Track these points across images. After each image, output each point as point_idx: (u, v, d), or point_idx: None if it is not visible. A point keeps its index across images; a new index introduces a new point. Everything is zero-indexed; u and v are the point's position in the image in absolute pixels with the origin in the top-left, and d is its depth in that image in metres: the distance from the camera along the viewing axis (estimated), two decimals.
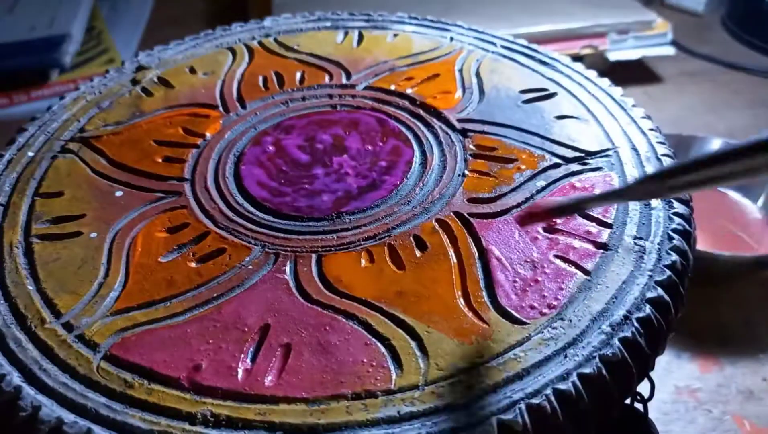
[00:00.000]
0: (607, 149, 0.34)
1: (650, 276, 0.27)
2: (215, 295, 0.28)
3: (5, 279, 0.28)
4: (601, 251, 0.29)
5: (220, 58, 0.44)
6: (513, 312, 0.26)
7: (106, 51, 0.78)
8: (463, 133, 0.36)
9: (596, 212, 0.30)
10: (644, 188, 0.22)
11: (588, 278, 0.27)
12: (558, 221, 0.30)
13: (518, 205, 0.31)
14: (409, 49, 0.44)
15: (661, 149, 0.34)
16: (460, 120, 0.37)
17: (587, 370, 0.24)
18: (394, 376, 0.24)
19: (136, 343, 0.26)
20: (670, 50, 0.74)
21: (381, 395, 0.24)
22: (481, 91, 0.39)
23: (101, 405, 0.24)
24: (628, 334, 0.25)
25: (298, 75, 0.42)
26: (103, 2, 0.87)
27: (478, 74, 0.41)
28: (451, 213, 0.31)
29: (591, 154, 0.34)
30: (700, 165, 0.20)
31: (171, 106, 0.39)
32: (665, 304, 0.26)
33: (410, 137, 0.36)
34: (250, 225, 0.31)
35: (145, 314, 0.27)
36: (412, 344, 0.25)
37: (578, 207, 0.26)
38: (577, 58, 0.69)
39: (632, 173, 0.32)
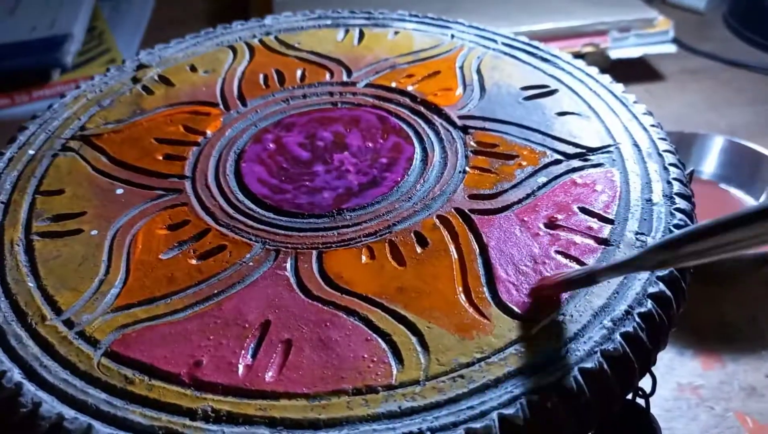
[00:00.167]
0: (609, 145, 0.34)
1: (652, 271, 0.27)
2: (216, 292, 0.28)
3: (6, 276, 0.28)
4: (603, 246, 0.29)
5: (221, 56, 0.44)
6: (514, 308, 0.26)
7: (108, 51, 0.78)
8: (464, 130, 0.36)
9: (597, 207, 0.30)
10: (655, 258, 0.22)
11: None
12: (559, 217, 0.30)
13: (519, 201, 0.31)
14: (410, 46, 0.44)
15: (663, 145, 0.34)
16: (461, 117, 0.37)
17: (589, 365, 0.24)
18: (394, 371, 0.24)
19: (137, 339, 0.26)
20: (672, 48, 0.74)
21: (382, 390, 0.24)
22: (482, 88, 0.39)
23: (102, 401, 0.23)
24: (630, 329, 0.25)
25: (299, 73, 0.42)
26: (104, 3, 0.87)
27: (479, 71, 0.41)
28: (452, 209, 0.31)
29: (592, 150, 0.34)
30: (712, 231, 0.19)
31: (172, 104, 0.39)
32: (667, 299, 0.26)
33: (411, 134, 0.36)
34: (250, 222, 0.31)
35: (145, 311, 0.27)
36: (413, 339, 0.25)
37: (589, 279, 0.25)
38: (578, 56, 0.69)
39: (634, 169, 0.32)
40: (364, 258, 0.29)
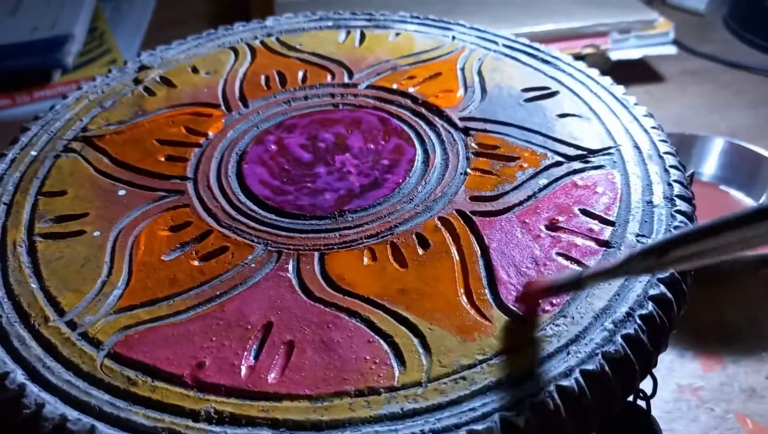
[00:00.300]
0: (609, 147, 0.34)
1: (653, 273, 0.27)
2: (218, 293, 0.28)
3: (9, 278, 0.29)
4: (604, 248, 0.29)
5: (223, 57, 0.44)
6: (515, 309, 0.26)
7: (109, 52, 0.78)
8: (465, 131, 0.36)
9: (598, 209, 0.30)
10: (641, 264, 0.22)
11: None
12: (560, 219, 0.30)
13: (520, 203, 0.31)
14: (411, 48, 0.44)
15: (663, 147, 0.34)
16: (462, 118, 0.37)
17: (590, 367, 0.24)
18: (397, 373, 0.24)
19: (140, 341, 0.26)
20: (672, 49, 0.74)
21: (384, 392, 0.24)
22: (483, 90, 0.39)
23: (105, 403, 0.24)
24: (631, 331, 0.25)
25: (301, 74, 0.42)
26: (105, 3, 0.87)
27: (480, 73, 0.41)
28: (454, 211, 0.31)
29: (593, 152, 0.34)
30: (699, 235, 0.19)
31: (173, 105, 0.39)
32: (668, 301, 0.26)
33: (412, 135, 0.36)
34: (252, 223, 0.31)
35: (148, 312, 0.27)
36: (415, 341, 0.25)
37: (576, 285, 0.25)
38: (579, 57, 0.70)
39: (634, 171, 0.32)
40: (365, 260, 0.29)
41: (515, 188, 0.32)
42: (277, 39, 0.46)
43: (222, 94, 0.40)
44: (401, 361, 0.25)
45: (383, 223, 0.31)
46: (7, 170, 0.35)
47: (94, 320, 0.27)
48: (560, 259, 0.28)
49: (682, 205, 0.30)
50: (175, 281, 0.28)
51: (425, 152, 0.35)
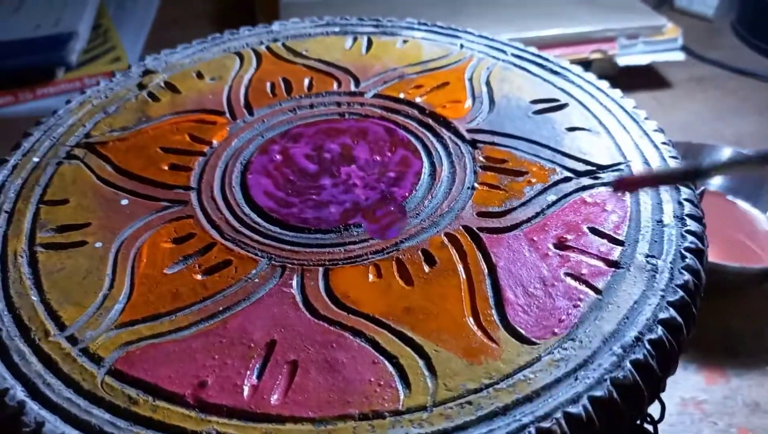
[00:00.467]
0: (619, 163, 0.34)
1: (662, 296, 0.27)
2: (221, 309, 0.27)
3: (9, 289, 0.28)
4: (613, 269, 0.28)
5: (228, 62, 0.43)
6: (523, 332, 0.26)
7: (113, 49, 0.78)
8: (473, 144, 0.36)
9: (608, 228, 0.30)
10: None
11: (599, 297, 0.27)
12: (569, 238, 0.30)
13: (528, 220, 0.31)
14: (419, 56, 0.43)
15: (674, 164, 0.33)
16: (469, 130, 0.37)
17: (598, 393, 0.23)
18: (401, 396, 0.24)
19: (141, 357, 0.25)
20: (680, 56, 0.73)
21: (388, 416, 0.23)
22: (491, 101, 0.39)
23: (105, 422, 0.23)
24: (640, 356, 0.25)
25: (306, 81, 0.41)
26: (109, 0, 0.87)
27: (488, 83, 0.40)
28: (460, 227, 0.31)
29: (602, 168, 0.34)
30: None
31: (178, 111, 0.39)
32: (677, 325, 0.26)
33: (419, 147, 0.36)
34: (256, 236, 0.31)
35: (150, 328, 0.27)
36: (420, 363, 0.25)
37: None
38: (585, 62, 0.69)
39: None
40: (371, 276, 0.29)
41: (523, 204, 0.32)
42: (283, 44, 0.45)
43: (227, 101, 0.40)
44: (406, 384, 0.24)
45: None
46: (8, 177, 0.34)
47: (95, 336, 0.26)
48: (568, 279, 0.28)
49: (692, 225, 0.30)
50: (178, 295, 0.28)
51: (432, 164, 0.35)
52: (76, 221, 0.32)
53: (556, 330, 0.26)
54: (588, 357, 0.25)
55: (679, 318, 0.26)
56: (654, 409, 0.29)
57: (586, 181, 0.33)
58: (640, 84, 0.75)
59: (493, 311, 0.27)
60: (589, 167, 0.34)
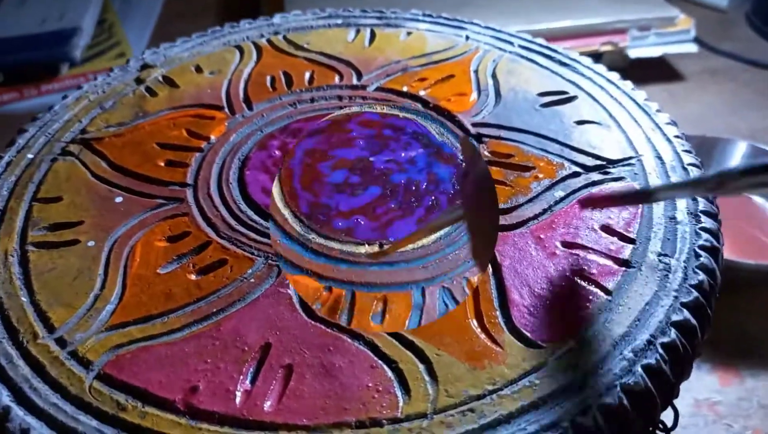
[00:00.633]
0: (630, 157, 0.32)
1: (676, 297, 0.26)
2: (215, 310, 0.26)
3: None
4: (623, 268, 0.27)
5: (228, 56, 0.42)
6: (528, 334, 0.25)
7: (118, 44, 0.77)
8: (478, 138, 0.34)
9: (618, 226, 0.29)
10: (712, 184, 0.21)
11: (609, 298, 0.26)
12: (579, 240, 0.28)
13: (535, 217, 0.30)
14: (423, 48, 0.42)
15: (687, 158, 0.32)
16: (474, 124, 0.35)
17: (608, 400, 0.22)
18: (401, 403, 0.23)
19: (131, 361, 0.24)
20: (693, 47, 0.71)
21: (386, 423, 0.22)
22: (498, 94, 0.38)
23: (92, 429, 0.22)
24: (652, 361, 0.23)
25: (308, 75, 0.40)
26: None
27: (494, 76, 0.39)
28: None
29: (613, 162, 0.32)
30: None
31: (175, 106, 0.38)
32: (692, 328, 0.25)
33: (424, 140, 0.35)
34: (253, 235, 0.30)
35: (141, 330, 0.26)
36: (421, 367, 0.24)
37: (644, 197, 0.24)
38: (596, 55, 0.68)
39: (656, 183, 0.31)
40: None
41: (530, 200, 0.31)
42: (284, 37, 0.44)
43: (226, 96, 0.39)
44: (406, 389, 0.23)
45: None
46: (2, 174, 0.33)
47: (84, 338, 0.25)
48: (577, 279, 0.27)
49: (707, 222, 0.29)
50: (171, 296, 0.27)
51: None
52: (69, 219, 0.31)
53: (563, 333, 0.25)
54: (597, 361, 0.24)
55: (693, 320, 0.25)
56: (666, 416, 0.28)
57: (595, 176, 0.31)
58: (652, 77, 0.73)
59: (498, 313, 0.26)
60: (598, 162, 0.32)
